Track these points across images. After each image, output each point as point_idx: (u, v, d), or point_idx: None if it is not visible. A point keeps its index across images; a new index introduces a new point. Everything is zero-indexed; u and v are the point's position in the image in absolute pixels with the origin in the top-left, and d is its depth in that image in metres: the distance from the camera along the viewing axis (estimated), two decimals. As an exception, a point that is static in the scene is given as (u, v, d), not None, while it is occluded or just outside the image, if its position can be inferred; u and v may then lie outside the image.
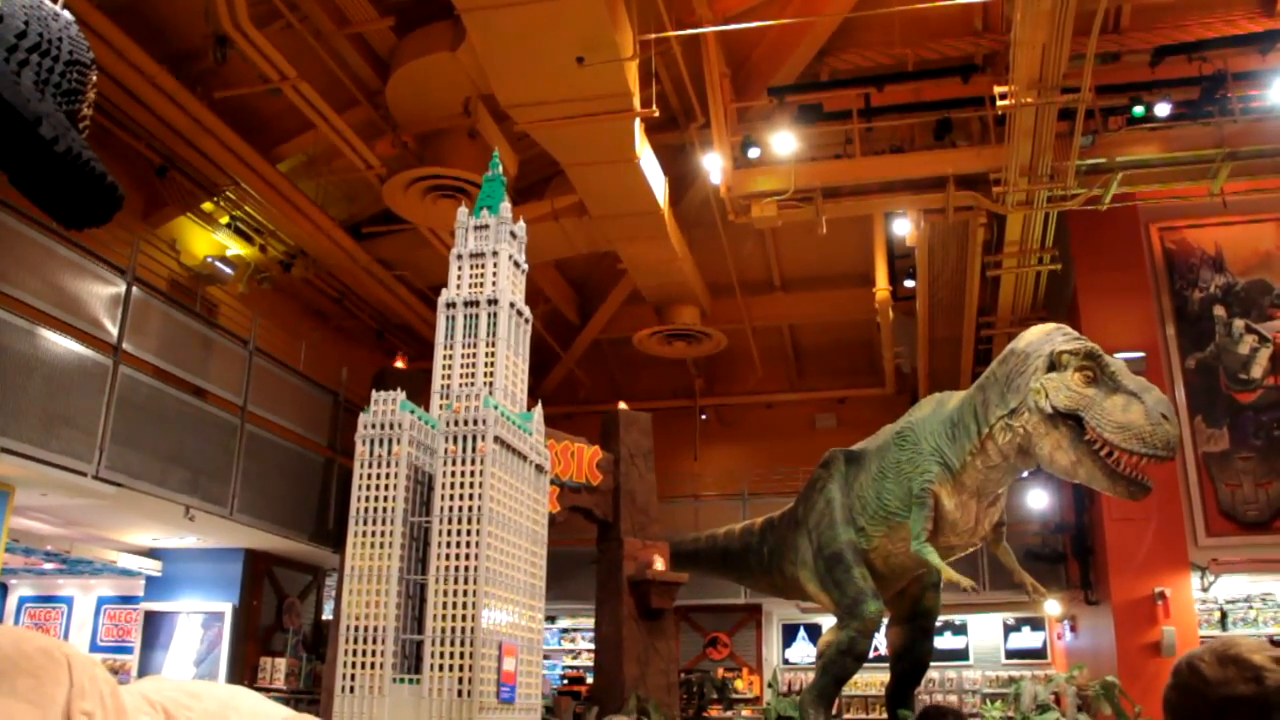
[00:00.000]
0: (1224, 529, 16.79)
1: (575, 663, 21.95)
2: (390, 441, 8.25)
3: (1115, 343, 14.37)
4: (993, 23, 17.47)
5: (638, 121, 14.63)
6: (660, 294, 20.26)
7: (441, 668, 7.76)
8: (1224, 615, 17.19)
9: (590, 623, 17.46)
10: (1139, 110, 15.67)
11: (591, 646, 16.87)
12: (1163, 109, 15.69)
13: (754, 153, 15.84)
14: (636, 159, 15.03)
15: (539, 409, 9.14)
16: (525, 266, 9.48)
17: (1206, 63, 15.94)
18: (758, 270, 22.06)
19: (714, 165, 16.18)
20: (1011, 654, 21.24)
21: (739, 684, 20.52)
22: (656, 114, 14.28)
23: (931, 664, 17.52)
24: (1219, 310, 17.61)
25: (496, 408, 8.21)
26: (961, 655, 21.19)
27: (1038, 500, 18.61)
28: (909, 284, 19.23)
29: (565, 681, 20.71)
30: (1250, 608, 17.25)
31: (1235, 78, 15.71)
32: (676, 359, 22.37)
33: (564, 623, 22.54)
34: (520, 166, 17.07)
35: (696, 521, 18.88)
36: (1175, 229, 17.98)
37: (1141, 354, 15.86)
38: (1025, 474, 12.55)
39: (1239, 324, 17.46)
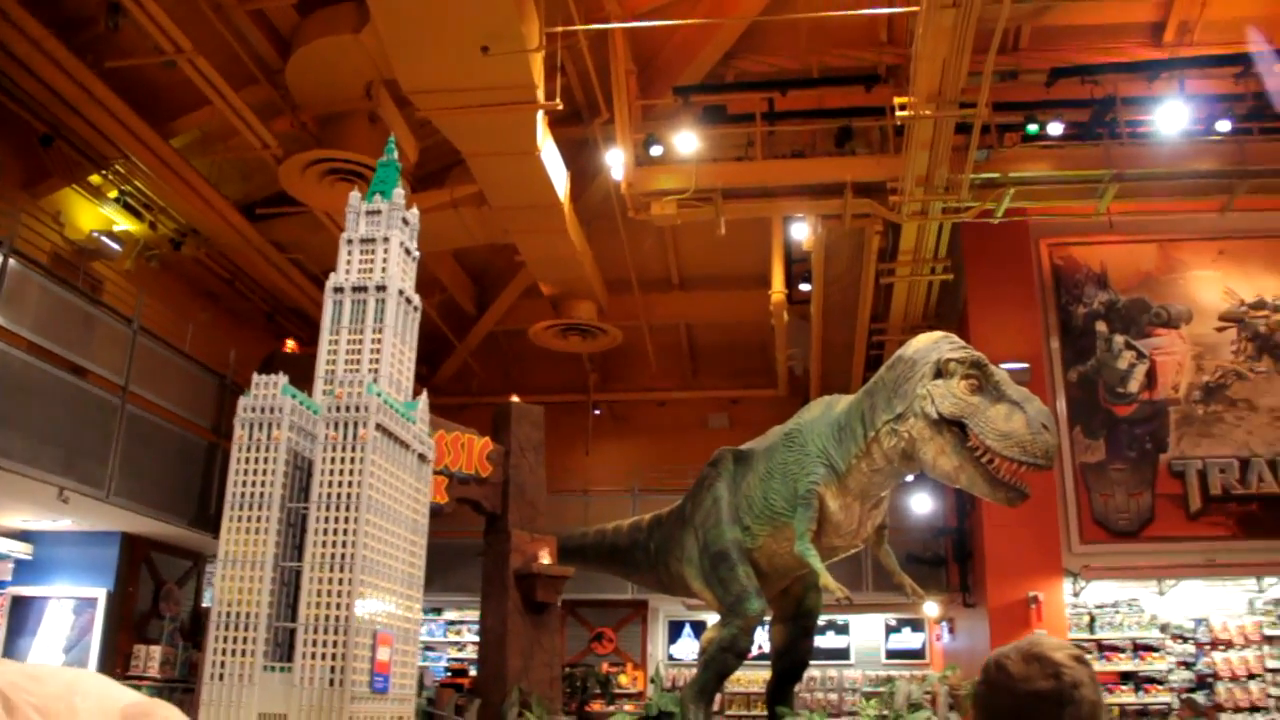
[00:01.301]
0: (1096, 537, 17.18)
1: (461, 655, 21.71)
2: (270, 426, 8.11)
3: (1002, 353, 14.66)
4: (897, 35, 17.77)
5: (541, 114, 14.61)
6: (558, 288, 20.20)
7: (314, 656, 7.65)
8: (1092, 619, 17.55)
9: (477, 615, 17.30)
10: (1033, 128, 16.11)
11: (477, 639, 16.74)
12: (1055, 128, 16.19)
13: (656, 151, 15.90)
14: (538, 151, 14.98)
15: (424, 398, 9.05)
16: (417, 254, 9.37)
17: (1098, 86, 16.54)
18: (657, 268, 22.09)
19: (616, 161, 16.26)
20: (892, 654, 21.63)
21: (623, 679, 20.56)
22: (560, 107, 14.26)
23: (813, 662, 17.69)
24: (1101, 326, 18.05)
25: (380, 395, 8.12)
26: (843, 654, 21.51)
27: (921, 505, 19.00)
28: (805, 287, 19.46)
29: (449, 674, 20.47)
30: (1117, 612, 17.61)
31: (1124, 102, 16.23)
32: (572, 353, 22.35)
33: (450, 614, 22.33)
34: (421, 154, 16.94)
35: (586, 516, 18.86)
36: (1063, 245, 18.35)
37: (1026, 365, 16.16)
38: (909, 478, 13.27)
39: (1119, 340, 17.93)
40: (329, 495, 7.96)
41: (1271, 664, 17.30)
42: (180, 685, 14.71)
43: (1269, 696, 16.92)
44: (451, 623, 22.41)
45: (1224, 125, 16.37)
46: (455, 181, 17.89)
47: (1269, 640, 17.43)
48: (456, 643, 22.22)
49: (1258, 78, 16.54)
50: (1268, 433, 17.26)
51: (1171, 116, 16.07)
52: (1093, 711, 1.80)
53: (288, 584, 8.05)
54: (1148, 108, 16.32)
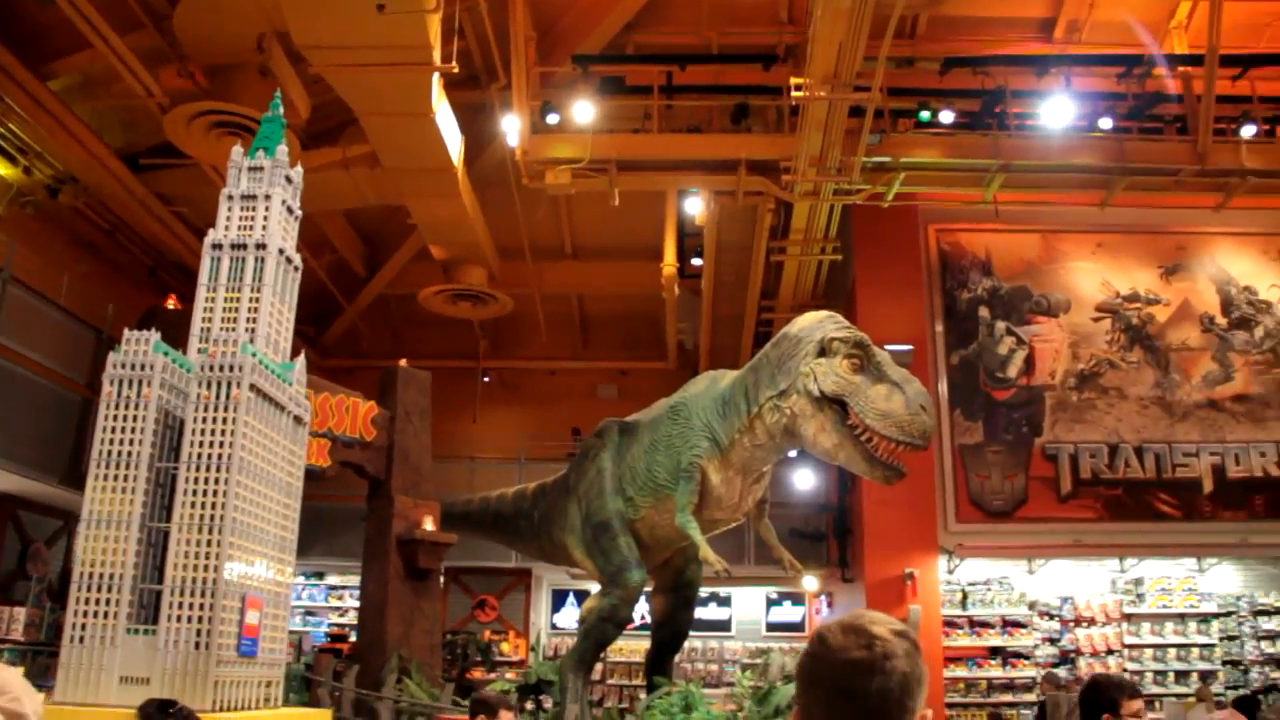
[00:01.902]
0: (972, 516, 17.68)
1: (342, 620, 21.46)
2: (140, 383, 7.91)
3: (887, 334, 14.53)
4: (797, 15, 17.85)
5: (436, 76, 14.39)
6: (449, 252, 20.02)
7: (179, 619, 7.51)
8: (965, 596, 17.94)
9: (359, 580, 17.02)
10: (925, 115, 16.38)
11: (359, 605, 16.55)
12: (947, 116, 16.44)
13: (553, 119, 15.81)
14: (433, 114, 14.78)
15: (301, 359, 8.90)
16: (299, 213, 9.19)
17: (989, 78, 16.87)
18: (550, 236, 21.96)
19: (512, 128, 16.10)
20: (772, 626, 21.89)
21: (505, 647, 20.54)
22: (457, 70, 14.10)
23: (695, 634, 18.50)
24: (984, 311, 18.49)
25: (256, 355, 7.96)
26: (725, 626, 21.73)
27: (804, 481, 19.17)
28: (696, 262, 19.48)
29: (329, 639, 20.22)
30: (989, 590, 18.04)
31: (1014, 95, 16.56)
32: (463, 319, 22.17)
33: (333, 579, 22.03)
34: (314, 110, 16.56)
35: (471, 483, 18.66)
36: (951, 231, 18.74)
37: (910, 346, 14.93)
38: (792, 454, 12.97)
39: (1000, 326, 18.39)
40: (199, 455, 7.80)
41: (1130, 640, 17.92)
42: (46, 648, 13.98)
43: (1126, 671, 17.54)
44: (334, 588, 22.10)
45: (1106, 123, 16.89)
46: (348, 140, 17.53)
47: (1128, 618, 18.05)
48: (339, 608, 21.92)
49: (1139, 79, 17.16)
50: (1135, 420, 17.88)
51: (1057, 111, 16.46)
52: (903, 681, 1.85)
53: (154, 545, 7.87)
54: (1036, 102, 16.71)
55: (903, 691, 1.86)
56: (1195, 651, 17.98)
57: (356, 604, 19.26)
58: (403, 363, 15.58)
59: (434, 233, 19.24)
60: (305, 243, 9.02)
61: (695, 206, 18.26)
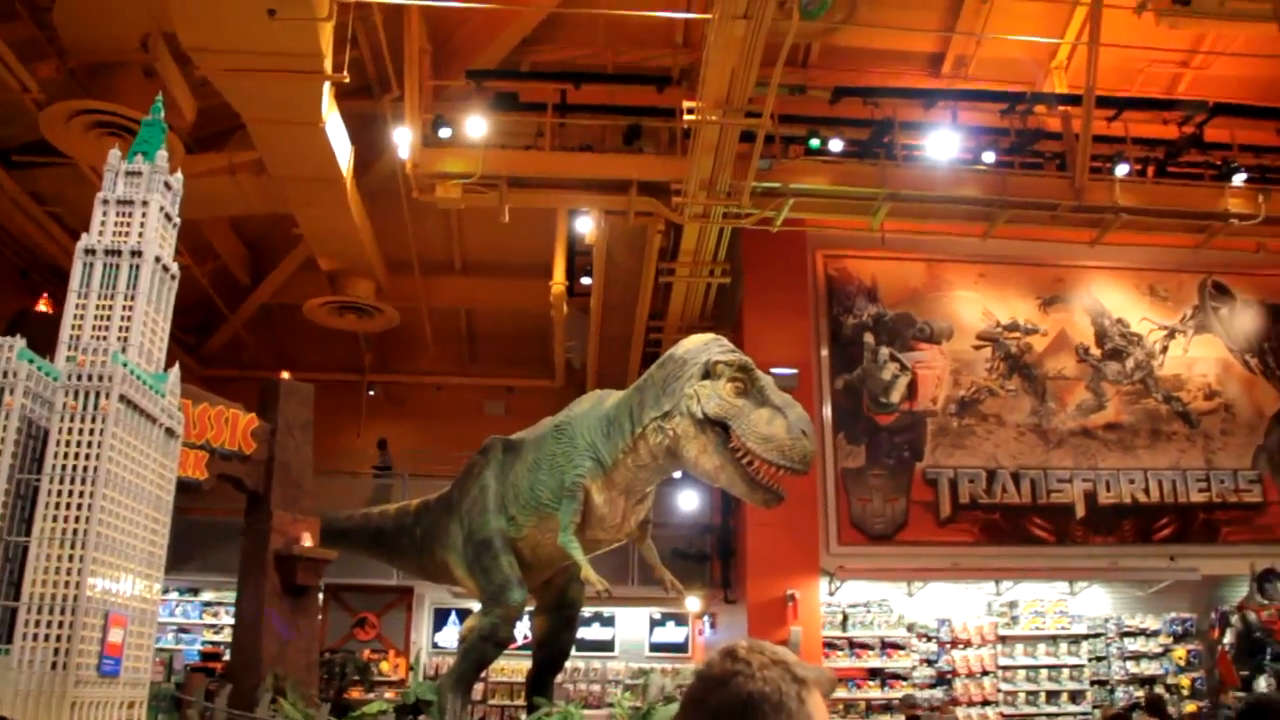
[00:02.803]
0: (853, 539, 17.76)
1: (216, 638, 20.63)
2: (1, 391, 7.54)
3: (773, 358, 15.07)
4: (692, 38, 17.91)
5: (328, 85, 14.22)
6: (336, 263, 19.69)
7: (36, 637, 7.18)
8: (845, 618, 17.99)
9: (235, 597, 16.32)
10: (815, 143, 16.74)
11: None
12: (836, 144, 16.85)
13: (445, 133, 15.68)
14: (322, 123, 14.57)
15: (175, 370, 8.62)
16: (178, 220, 8.91)
17: (878, 108, 17.24)
18: (439, 250, 21.69)
19: (404, 140, 15.97)
20: (655, 647, 21.74)
21: (384, 666, 20.14)
22: (348, 80, 14.01)
23: (578, 654, 18.60)
24: (868, 337, 18.65)
25: (127, 365, 7.69)
26: (608, 646, 21.53)
27: (688, 502, 19.22)
28: (585, 281, 19.60)
29: (201, 658, 19.45)
30: (868, 612, 18.12)
31: (902, 126, 16.97)
32: (348, 332, 21.81)
33: (207, 595, 21.29)
34: (200, 114, 16.23)
35: (354, 499, 18.36)
36: (838, 257, 18.84)
37: (795, 370, 16.61)
38: (675, 476, 12.69)
39: (884, 351, 18.59)
40: (64, 468, 7.50)
41: (1004, 661, 18.20)
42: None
43: (999, 691, 17.84)
44: (208, 604, 21.35)
45: (989, 157, 17.41)
46: (235, 146, 17.19)
47: (1002, 640, 18.33)
48: (213, 625, 21.14)
49: (1021, 115, 17.62)
50: (1012, 446, 18.26)
51: (943, 144, 16.92)
52: (746, 699, 1.96)
53: (11, 560, 7.51)
54: (922, 133, 17.15)
55: (744, 708, 1.95)
56: (1066, 672, 18.29)
57: (232, 621, 18.42)
58: (285, 375, 15.25)
59: (321, 243, 18.95)
60: (187, 248, 8.83)
61: (586, 225, 18.46)
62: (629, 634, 21.46)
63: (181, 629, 20.61)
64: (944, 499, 17.97)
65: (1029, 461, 18.21)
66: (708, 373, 7.71)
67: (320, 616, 15.21)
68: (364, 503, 16.65)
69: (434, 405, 23.61)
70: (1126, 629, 18.71)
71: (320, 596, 14.94)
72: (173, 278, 8.75)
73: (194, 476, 12.12)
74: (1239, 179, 17.65)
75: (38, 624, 7.25)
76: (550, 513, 9.17)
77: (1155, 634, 18.61)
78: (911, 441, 18.31)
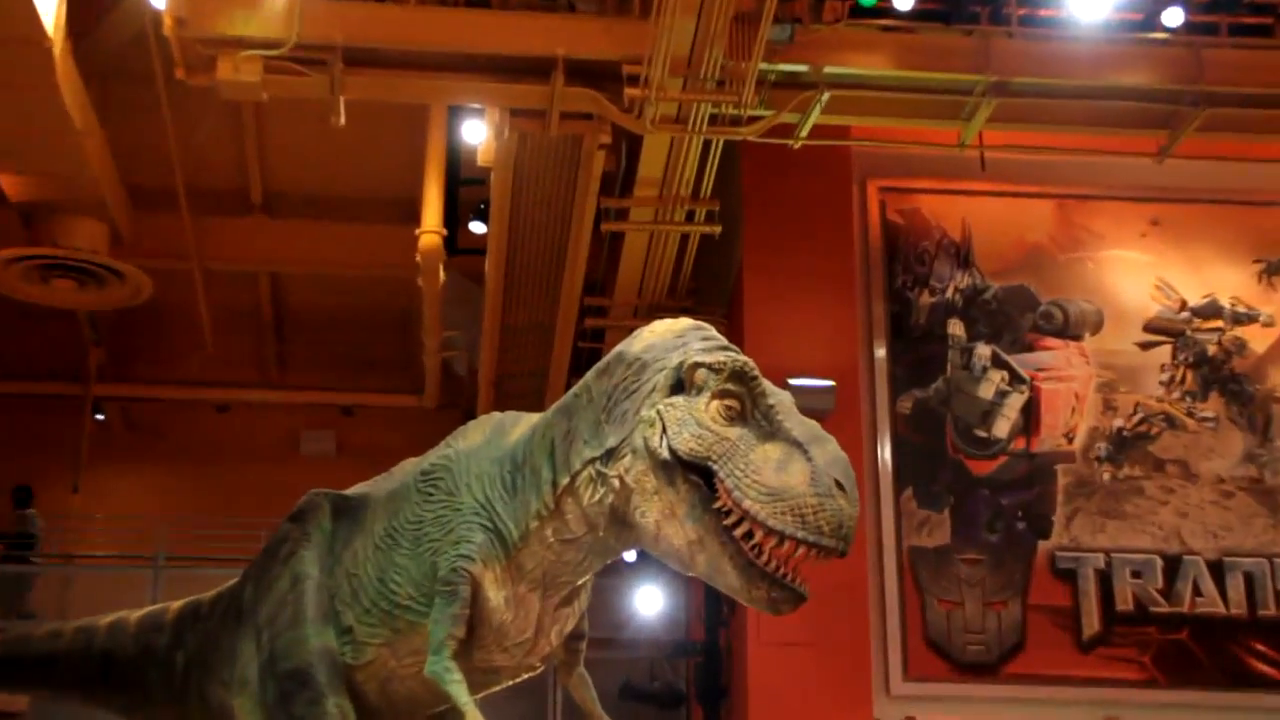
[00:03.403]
0: (931, 671, 13.36)
1: None
2: None
3: (791, 361, 13.02)
4: None
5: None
6: (37, 191, 15.27)
7: None
8: None
9: None
10: (868, -3, 14.28)
11: None
12: (904, 1, 13.33)
13: (233, -34, 12.35)
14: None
15: None
16: None
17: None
18: (224, 175, 16.86)
19: (159, -24, 13.23)
20: None
21: None
22: None
23: None
24: (956, 328, 14.40)
25: None
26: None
27: (649, 603, 14.92)
28: (477, 229, 16.07)
29: None
30: None
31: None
32: (61, 311, 16.95)
33: None
34: None
35: (65, 602, 15.27)
36: (905, 193, 14.78)
37: (829, 383, 13.28)
38: (627, 558, 10.07)
39: (984, 352, 14.22)
40: None
41: None
42: None
43: None
44: None
45: (1173, 16, 13.40)
46: None
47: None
48: None
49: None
50: (1211, 516, 13.90)
51: (1090, -1, 13.96)
52: None
53: None
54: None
55: None
56: None
57: None
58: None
59: (11, 155, 14.64)
60: None
61: (477, 134, 14.78)
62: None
63: None
64: (1089, 605, 13.61)
65: (1242, 542, 13.96)
66: (680, 383, 4.75)
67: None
68: (80, 609, 11.93)
69: (213, 439, 18.38)
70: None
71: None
72: None
73: None
74: None
75: None
76: (413, 622, 5.57)
77: None
78: (1030, 505, 13.90)
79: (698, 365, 4.77)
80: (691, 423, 4.78)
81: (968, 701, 13.28)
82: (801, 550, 4.41)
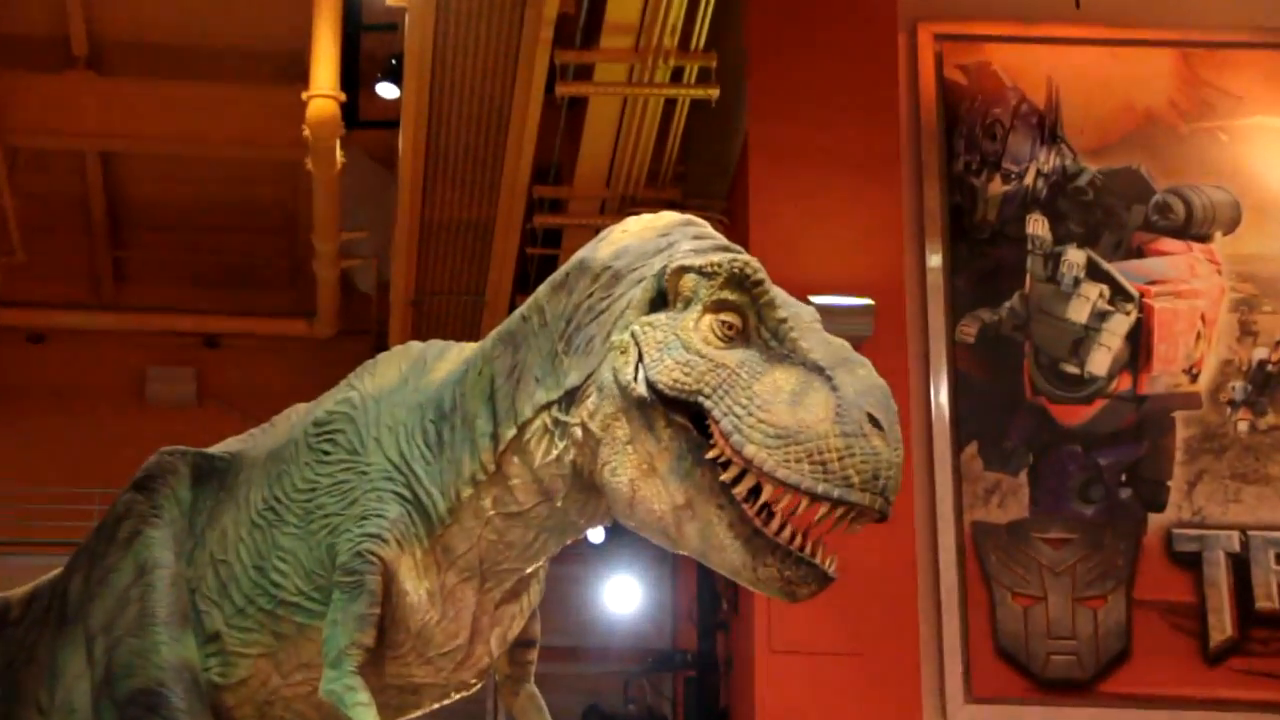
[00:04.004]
0: (1003, 688, 10.85)
1: None
2: None
3: (813, 272, 10.76)
4: None
5: None
6: None
7: None
8: None
9: None
10: None
11: None
12: None
13: None
14: None
15: None
16: None
17: None
18: (33, 15, 13.78)
19: None
20: None
21: None
22: None
23: None
24: (1037, 225, 11.59)
25: None
26: None
27: (624, 597, 12.75)
28: (386, 92, 13.46)
29: None
30: None
31: None
32: None
33: None
34: None
35: None
36: (970, 41, 12.07)
37: (866, 301, 11.02)
38: (594, 537, 10.47)
39: (1076, 258, 11.41)
40: None
41: None
42: None
43: None
44: None
45: None
46: None
47: None
48: None
49: None
50: None
51: None
52: None
53: None
54: None
55: None
56: None
57: None
58: None
59: None
60: None
61: None
62: None
63: None
64: (1218, 601, 11.09)
65: None
66: (663, 295, 4.22)
67: None
68: None
69: (24, 379, 15.29)
70: None
71: None
72: None
73: None
74: None
75: None
76: (303, 625, 5.22)
77: None
78: (1139, 466, 11.29)
79: (684, 270, 4.06)
80: (676, 346, 4.04)
81: (1055, 728, 10.77)
82: (823, 511, 3.58)
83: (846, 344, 3.56)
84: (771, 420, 3.45)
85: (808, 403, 3.47)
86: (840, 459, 3.31)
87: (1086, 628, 10.59)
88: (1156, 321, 11.17)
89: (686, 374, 3.63)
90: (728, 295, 3.69)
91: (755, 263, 3.67)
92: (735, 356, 3.64)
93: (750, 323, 3.69)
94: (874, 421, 3.37)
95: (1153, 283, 11.17)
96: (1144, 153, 11.53)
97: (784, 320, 3.63)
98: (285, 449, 4.91)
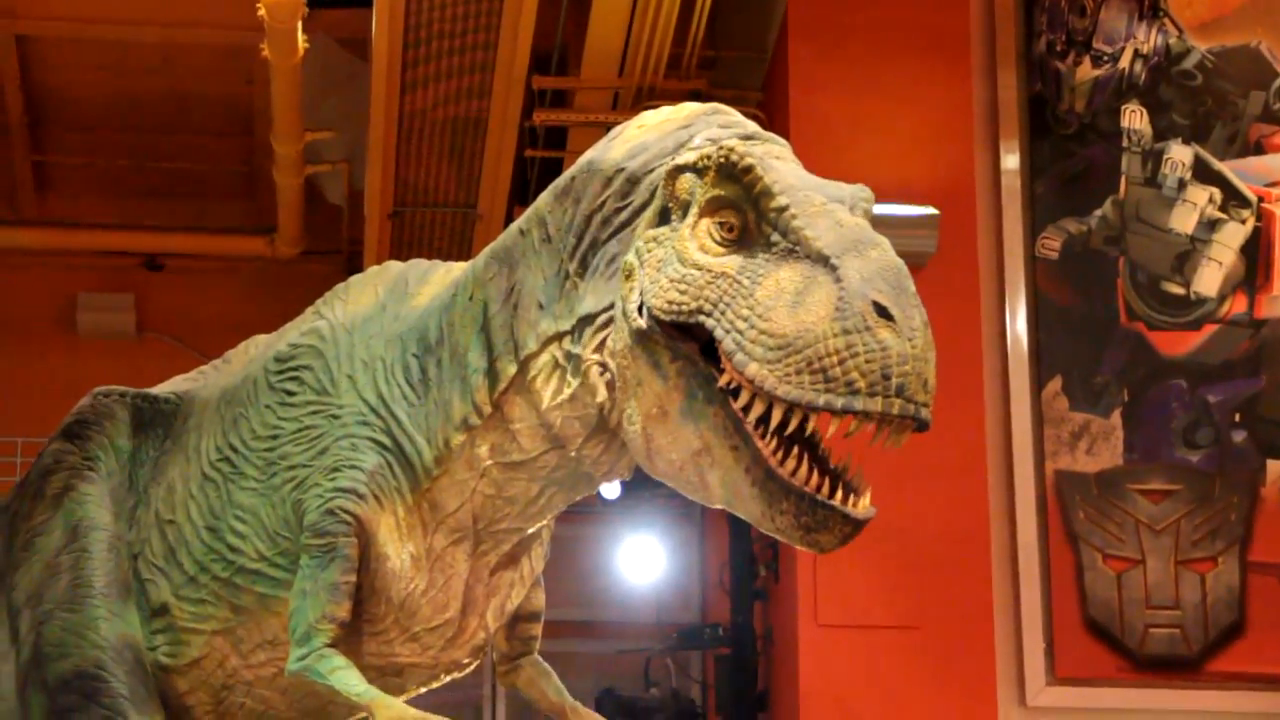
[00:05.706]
0: (1094, 667, 9.96)
1: None
2: None
3: (868, 175, 5.50)
4: None
5: None
6: None
7: None
8: None
9: None
10: None
11: None
12: None
13: None
14: None
15: None
16: None
17: None
18: None
19: None
20: None
21: None
22: None
23: None
24: (1135, 117, 10.43)
25: None
26: None
27: (642, 563, 11.65)
28: None
29: None
30: None
31: None
32: None
33: None
34: None
35: None
36: None
37: (930, 210, 10.03)
38: (609, 492, 9.40)
39: (1181, 156, 10.21)
40: None
41: None
42: None
43: None
44: None
45: None
46: None
47: None
48: None
49: None
50: None
51: None
52: None
53: None
54: None
55: None
56: None
57: None
58: None
59: None
60: None
61: None
62: None
63: None
64: None
65: None
66: (674, 198, 3.40)
67: None
68: None
69: None
70: None
71: None
72: None
73: None
74: None
75: None
76: (265, 596, 4.81)
77: None
78: (1255, 404, 10.32)
79: (679, 170, 3.64)
80: (673, 260, 3.71)
81: (1152, 714, 9.75)
82: (836, 428, 3.38)
83: (864, 223, 3.15)
84: (773, 329, 3.13)
85: (809, 302, 3.14)
86: (841, 362, 2.98)
87: (1192, 596, 9.71)
88: (1278, 231, 9.98)
89: (683, 291, 3.28)
90: (721, 191, 3.34)
91: (742, 147, 3.22)
92: (736, 262, 3.31)
93: (749, 218, 3.32)
94: (881, 310, 3.03)
95: (1273, 185, 9.94)
96: (1265, 28, 10.21)
97: (784, 209, 3.23)
98: (242, 389, 4.60)
